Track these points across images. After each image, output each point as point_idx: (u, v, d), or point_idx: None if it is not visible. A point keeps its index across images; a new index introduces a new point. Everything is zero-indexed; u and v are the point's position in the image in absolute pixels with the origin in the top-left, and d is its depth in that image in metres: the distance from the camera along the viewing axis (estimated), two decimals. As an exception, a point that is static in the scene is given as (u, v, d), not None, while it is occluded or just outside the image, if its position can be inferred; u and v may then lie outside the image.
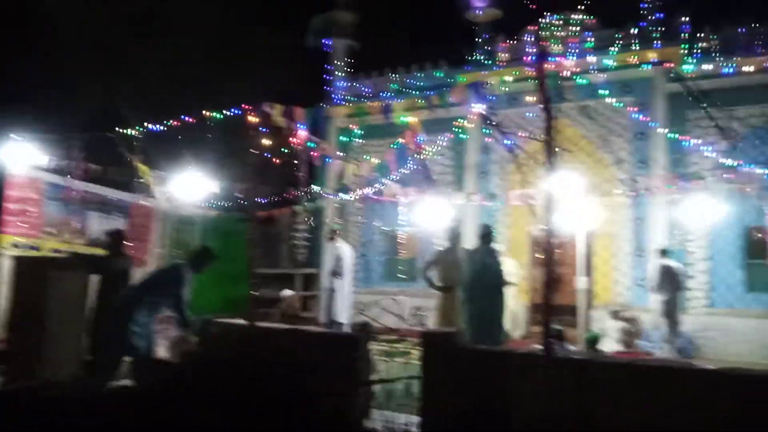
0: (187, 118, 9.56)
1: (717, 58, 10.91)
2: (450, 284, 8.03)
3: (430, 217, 11.56)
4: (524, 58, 10.91)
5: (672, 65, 9.87)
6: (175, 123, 9.68)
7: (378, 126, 13.07)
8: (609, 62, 11.21)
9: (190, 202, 11.81)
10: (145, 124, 9.86)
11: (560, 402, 4.95)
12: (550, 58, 8.54)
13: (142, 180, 11.59)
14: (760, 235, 10.76)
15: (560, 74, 9.07)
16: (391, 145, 10.25)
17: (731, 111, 11.03)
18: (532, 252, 12.62)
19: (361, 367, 6.20)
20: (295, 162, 12.85)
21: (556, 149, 7.38)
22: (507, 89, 11.11)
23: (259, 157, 8.78)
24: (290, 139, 9.16)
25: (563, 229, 12.36)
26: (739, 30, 11.10)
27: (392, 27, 19.56)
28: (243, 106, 8.52)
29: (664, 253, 10.49)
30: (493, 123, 8.87)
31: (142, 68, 16.83)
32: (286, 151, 9.77)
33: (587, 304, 12.04)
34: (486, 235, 7.77)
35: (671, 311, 10.23)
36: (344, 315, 10.40)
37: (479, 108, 8.35)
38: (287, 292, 11.58)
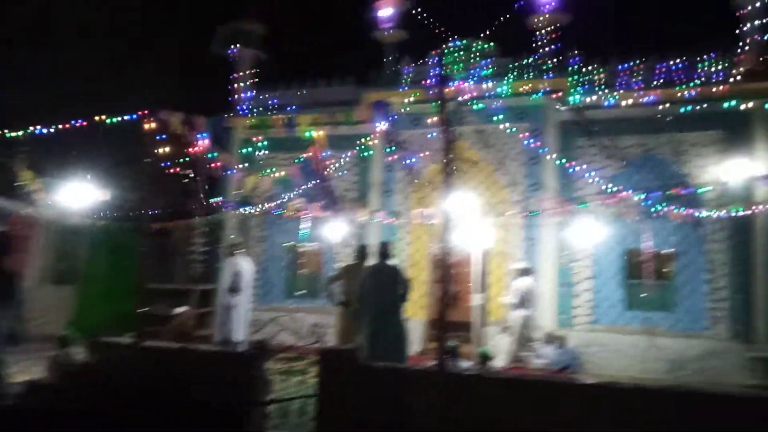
0: (77, 123, 8.99)
1: (602, 91, 11.75)
2: (351, 301, 8.03)
3: (333, 233, 11.56)
4: (426, 81, 11.26)
5: (560, 95, 10.53)
6: (65, 126, 9.07)
7: (283, 139, 12.95)
8: (505, 90, 11.80)
9: (77, 211, 11.10)
10: (30, 127, 9.17)
11: (454, 416, 5.08)
12: (450, 83, 8.86)
13: (25, 187, 10.77)
14: (638, 256, 11.63)
15: (460, 98, 9.43)
16: (296, 160, 10.17)
17: (614, 140, 11.94)
18: (431, 269, 12.92)
19: (256, 387, 6.06)
20: (194, 172, 12.43)
21: (454, 170, 7.67)
22: (410, 110, 11.40)
23: (155, 166, 8.41)
24: (189, 148, 8.85)
25: (460, 247, 12.81)
26: (622, 66, 12.05)
27: (301, 40, 19.54)
28: (140, 112, 8.14)
29: (525, 272, 11.11)
30: (396, 142, 9.05)
31: (36, 71, 15.75)
32: (184, 160, 9.43)
33: (482, 321, 12.49)
34: (384, 252, 7.84)
35: (528, 327, 10.87)
36: (241, 333, 10.13)
37: (382, 126, 8.49)
38: (180, 309, 11.10)
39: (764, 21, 11.28)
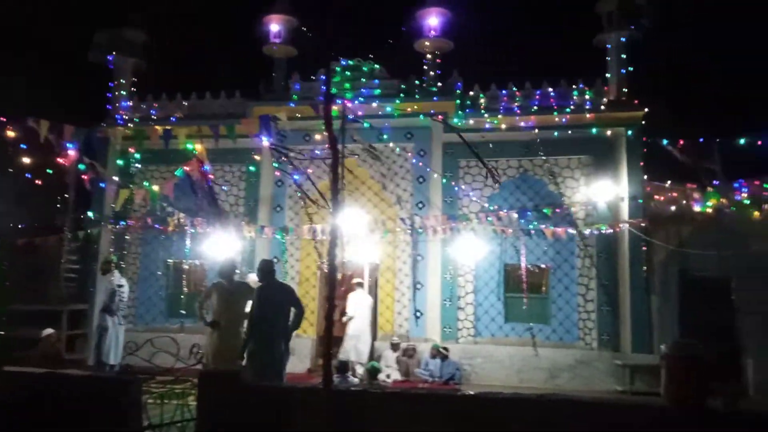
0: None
1: (483, 116, 12.36)
2: (221, 320, 7.76)
3: (218, 249, 11.18)
4: (314, 97, 11.29)
5: (440, 118, 10.91)
6: None
7: (162, 151, 12.27)
8: (393, 110, 12.08)
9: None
10: None
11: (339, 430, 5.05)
12: (339, 100, 8.94)
13: None
14: (516, 271, 12.26)
15: (351, 117, 9.52)
16: (176, 173, 9.75)
17: (495, 162, 12.57)
18: (321, 285, 12.85)
19: (130, 413, 5.70)
20: (62, 184, 11.55)
21: (343, 187, 7.70)
22: (298, 126, 11.34)
23: (19, 177, 7.74)
24: (58, 159, 8.22)
25: (350, 263, 12.88)
26: (501, 92, 12.77)
27: (187, 51, 18.90)
28: (1, 118, 7.48)
29: (359, 285, 11.68)
30: (283, 158, 8.94)
31: None
32: (52, 171, 8.73)
33: (372, 336, 12.59)
34: (269, 270, 7.68)
35: (357, 339, 11.38)
36: (115, 356, 9.53)
37: (269, 141, 8.37)
38: (48, 331, 10.25)
39: (625, 56, 12.41)
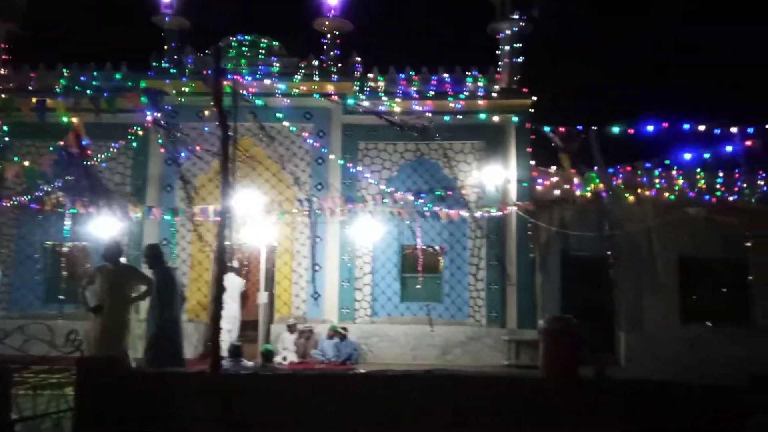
0: None
1: (382, 98, 12.43)
2: (104, 305, 7.37)
3: (102, 230, 10.56)
4: (204, 72, 10.78)
5: (336, 98, 10.74)
6: None
7: (37, 125, 11.38)
8: (290, 89, 11.80)
9: None
10: None
11: (231, 416, 4.97)
12: (235, 77, 8.59)
13: None
14: (412, 252, 12.54)
15: (246, 94, 9.24)
16: (51, 148, 9.03)
17: (393, 145, 12.73)
18: (215, 268, 12.48)
19: (-2, 407, 5.29)
20: None
21: (237, 167, 7.49)
22: (190, 102, 10.86)
23: None
24: None
25: (247, 245, 12.62)
26: (400, 75, 12.88)
27: (71, 19, 17.49)
28: None
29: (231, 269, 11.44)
30: (172, 134, 8.54)
31: None
32: None
33: (269, 319, 12.44)
34: (156, 255, 7.37)
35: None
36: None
37: (153, 117, 7.96)
38: None
39: (516, 46, 12.92)
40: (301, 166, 12.64)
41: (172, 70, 12.42)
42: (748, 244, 11.93)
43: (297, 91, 11.29)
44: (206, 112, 9.49)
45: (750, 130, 8.21)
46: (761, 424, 3.82)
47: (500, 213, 12.22)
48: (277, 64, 12.54)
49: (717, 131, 8.48)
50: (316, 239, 12.30)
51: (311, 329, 11.90)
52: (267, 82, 11.86)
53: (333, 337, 11.66)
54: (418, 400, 5.03)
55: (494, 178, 12.26)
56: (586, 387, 4.82)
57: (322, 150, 12.30)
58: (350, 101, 11.04)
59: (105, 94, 8.75)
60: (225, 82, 6.42)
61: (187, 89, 10.38)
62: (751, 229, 11.89)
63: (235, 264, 11.66)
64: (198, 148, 9.70)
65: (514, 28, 12.89)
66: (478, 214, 12.28)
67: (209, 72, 8.90)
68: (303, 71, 12.52)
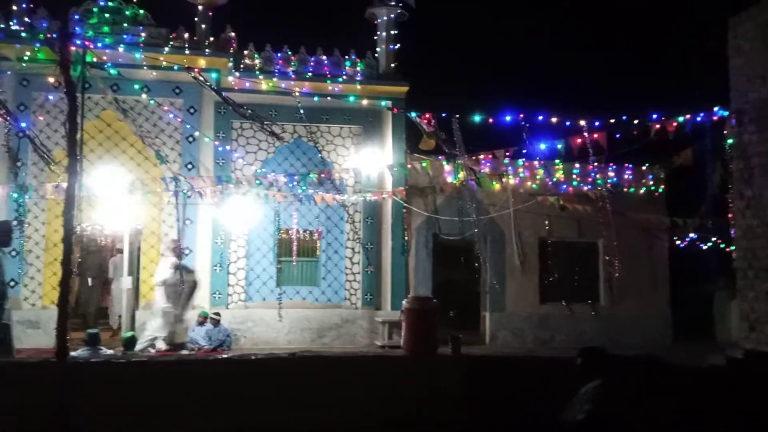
0: None
1: (258, 76, 12.08)
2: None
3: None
4: (47, 35, 9.73)
5: (197, 71, 10.05)
6: None
7: None
8: (158, 61, 10.99)
9: None
10: None
11: (73, 405, 4.67)
12: (87, 43, 7.78)
13: None
14: (288, 236, 12.39)
15: (104, 64, 8.53)
16: None
17: (270, 125, 12.42)
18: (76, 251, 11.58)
19: None
20: None
21: (86, 141, 6.90)
22: (39, 70, 9.86)
23: None
24: None
25: (108, 227, 11.83)
26: (276, 54, 12.58)
27: None
28: None
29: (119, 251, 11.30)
30: (7, 103, 7.67)
31: None
32: None
33: (133, 305, 11.79)
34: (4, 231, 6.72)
35: None
36: None
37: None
38: None
39: (393, 32, 13.09)
40: (169, 144, 12.00)
41: (23, 34, 11.25)
42: (601, 229, 13.07)
43: (165, 63, 10.58)
44: (51, 80, 8.55)
45: (596, 124, 8.93)
46: (597, 392, 4.17)
47: (375, 198, 12.38)
48: (144, 34, 11.75)
49: (567, 123, 9.13)
50: (185, 222, 11.78)
51: (179, 314, 11.41)
52: (122, 50, 10.92)
53: (203, 323, 11.28)
54: (286, 380, 5.01)
55: (371, 162, 12.39)
56: (443, 362, 5.03)
57: (188, 126, 11.74)
58: (214, 76, 10.46)
59: None
60: (74, 49, 5.89)
61: (26, 54, 9.32)
62: (602, 216, 13.03)
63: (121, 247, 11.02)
64: (40, 118, 8.77)
65: (391, 15, 13.04)
66: (354, 198, 12.37)
67: (54, 36, 8.10)
68: (172, 43, 11.84)
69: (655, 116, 8.97)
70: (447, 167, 11.46)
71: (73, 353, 6.13)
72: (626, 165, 13.23)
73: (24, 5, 11.55)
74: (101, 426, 4.52)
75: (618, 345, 7.96)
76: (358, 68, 12.80)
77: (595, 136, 8.99)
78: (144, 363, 5.41)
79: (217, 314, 11.45)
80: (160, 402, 4.76)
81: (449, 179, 11.90)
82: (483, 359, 5.05)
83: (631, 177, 13.31)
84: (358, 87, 12.52)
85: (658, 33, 19.95)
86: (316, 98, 12.02)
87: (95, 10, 11.54)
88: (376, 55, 13.07)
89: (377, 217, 12.73)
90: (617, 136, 8.94)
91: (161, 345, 10.89)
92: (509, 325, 13.01)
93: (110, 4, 11.63)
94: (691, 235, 13.77)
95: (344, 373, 4.98)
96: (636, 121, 9.00)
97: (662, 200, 13.80)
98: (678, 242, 14.04)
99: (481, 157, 10.93)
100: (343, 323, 12.41)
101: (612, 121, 9.08)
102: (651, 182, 13.53)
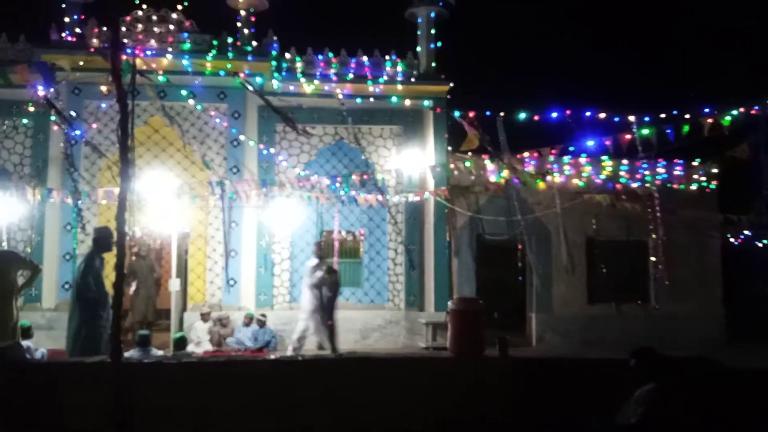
0: None
1: (299, 80, 12.17)
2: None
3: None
4: (94, 47, 9.97)
5: (243, 76, 10.24)
6: None
7: None
8: (204, 67, 11.21)
9: None
10: None
11: (126, 406, 4.78)
12: (137, 52, 8.05)
13: None
14: (331, 237, 12.46)
15: (151, 72, 8.74)
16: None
17: (312, 128, 12.52)
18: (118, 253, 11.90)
19: None
20: None
21: (136, 148, 7.07)
22: (91, 78, 10.17)
23: None
24: None
25: (157, 230, 12.13)
26: (317, 57, 12.67)
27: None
28: None
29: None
30: (66, 112, 7.99)
31: None
32: None
33: (182, 306, 12.05)
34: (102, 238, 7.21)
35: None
36: None
37: (44, 92, 7.43)
38: None
39: (433, 32, 13.01)
40: (215, 148, 12.24)
41: (72, 44, 11.65)
42: (650, 227, 12.71)
43: (210, 69, 10.80)
44: (104, 89, 8.90)
45: (646, 119, 8.66)
46: (650, 396, 4.04)
47: (418, 198, 12.33)
48: (188, 41, 12.02)
49: (616, 119, 8.89)
50: (231, 224, 11.99)
51: (227, 317, 11.61)
52: (169, 57, 11.18)
53: (249, 324, 11.43)
54: (330, 381, 5.03)
55: (412, 163, 12.34)
56: (489, 364, 4.95)
57: (233, 131, 11.93)
58: (258, 81, 10.61)
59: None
60: (125, 57, 6.06)
61: (80, 63, 9.67)
62: (651, 214, 12.65)
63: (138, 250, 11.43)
64: (93, 126, 9.07)
65: (431, 14, 12.98)
66: (396, 198, 12.35)
67: (105, 45, 8.36)
68: (216, 49, 12.07)
69: (707, 110, 8.66)
70: (490, 166, 11.32)
71: (125, 354, 6.31)
72: (676, 161, 12.83)
73: (75, 16, 11.99)
74: (155, 426, 4.62)
75: (669, 346, 7.70)
76: (399, 68, 12.78)
77: (645, 131, 8.71)
78: (192, 364, 5.50)
79: (264, 315, 11.58)
80: (208, 403, 4.84)
81: (493, 178, 11.76)
82: (530, 361, 4.96)
83: (681, 173, 12.90)
84: (399, 87, 12.50)
85: (704, 27, 19.32)
86: (358, 100, 12.04)
87: (141, 19, 11.84)
88: (417, 54, 13.03)
89: (419, 217, 12.67)
90: (668, 131, 8.64)
91: (207, 346, 11.04)
92: (556, 327, 12.77)
93: (157, 13, 11.92)
94: (746, 232, 13.26)
95: (391, 373, 4.96)
96: (687, 116, 8.70)
97: (714, 196, 13.32)
98: (732, 239, 13.53)
99: (526, 155, 10.76)
100: (386, 324, 12.40)
101: (662, 116, 8.80)
102: (703, 178, 13.09)
